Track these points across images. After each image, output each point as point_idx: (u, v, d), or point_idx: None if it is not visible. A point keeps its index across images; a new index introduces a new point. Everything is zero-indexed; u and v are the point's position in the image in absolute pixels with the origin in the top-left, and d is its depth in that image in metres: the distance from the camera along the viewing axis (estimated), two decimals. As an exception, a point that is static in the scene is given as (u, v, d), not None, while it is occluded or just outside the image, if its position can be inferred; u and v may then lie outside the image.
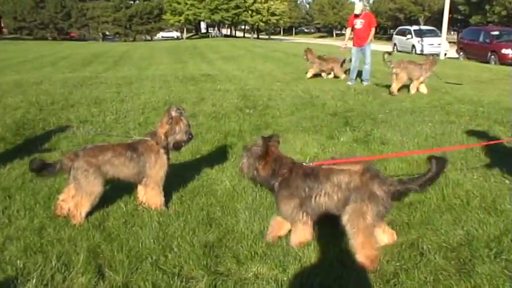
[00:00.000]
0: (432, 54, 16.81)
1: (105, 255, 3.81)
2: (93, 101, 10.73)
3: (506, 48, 25.90)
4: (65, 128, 8.02)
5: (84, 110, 9.69)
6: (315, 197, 3.82)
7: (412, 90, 11.97)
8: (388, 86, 12.36)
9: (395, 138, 7.37)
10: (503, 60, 25.10)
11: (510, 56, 25.42)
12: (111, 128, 8.16)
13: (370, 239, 3.67)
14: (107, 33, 72.79)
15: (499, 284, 3.36)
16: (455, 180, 5.45)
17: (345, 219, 3.69)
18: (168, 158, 4.77)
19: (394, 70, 12.05)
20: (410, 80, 12.09)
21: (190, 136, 4.70)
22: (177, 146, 4.69)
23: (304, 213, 3.86)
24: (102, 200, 4.59)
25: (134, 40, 66.14)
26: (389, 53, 13.20)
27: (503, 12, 52.87)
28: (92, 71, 18.86)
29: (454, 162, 6.05)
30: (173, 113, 4.57)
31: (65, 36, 67.23)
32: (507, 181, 5.39)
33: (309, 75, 15.46)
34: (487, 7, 54.83)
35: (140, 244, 3.98)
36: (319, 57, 15.82)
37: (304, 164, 4.02)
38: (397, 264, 3.68)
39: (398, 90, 11.92)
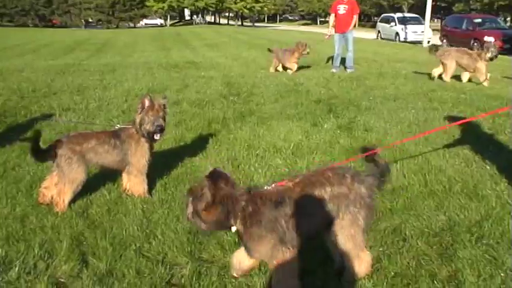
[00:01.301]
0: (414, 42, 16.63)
1: (89, 243, 3.79)
2: (76, 89, 10.62)
3: (489, 35, 26.04)
4: (47, 115, 7.93)
5: (67, 98, 9.58)
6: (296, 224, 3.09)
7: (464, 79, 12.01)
8: (371, 73, 12.40)
9: (378, 125, 7.41)
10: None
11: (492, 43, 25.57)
12: (94, 116, 8.08)
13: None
14: (90, 20, 71.95)
15: (479, 268, 3.41)
16: (438, 166, 5.50)
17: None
18: (151, 146, 4.74)
19: (442, 60, 12.03)
20: (464, 69, 11.99)
21: (158, 127, 4.53)
22: (149, 137, 4.59)
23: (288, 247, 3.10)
24: (85, 188, 4.56)
25: (117, 27, 65.47)
26: (435, 47, 13.21)
27: (486, 0, 53.15)
28: (74, 58, 18.65)
29: (436, 148, 6.11)
30: (147, 103, 4.53)
31: (46, 23, 66.27)
32: (488, 167, 5.45)
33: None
34: (470, -5, 55.10)
35: (124, 231, 3.97)
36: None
37: (263, 189, 3.24)
38: (380, 249, 3.71)
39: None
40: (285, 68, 14.04)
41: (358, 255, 3.23)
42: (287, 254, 3.08)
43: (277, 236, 3.04)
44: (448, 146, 6.22)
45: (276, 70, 14.13)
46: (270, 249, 3.06)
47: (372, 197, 3.26)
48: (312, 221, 3.18)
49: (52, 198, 4.39)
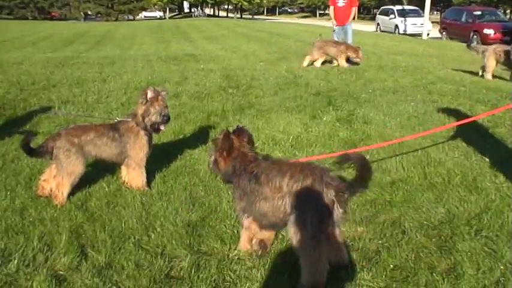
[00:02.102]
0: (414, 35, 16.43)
1: (88, 235, 3.79)
2: (75, 81, 10.59)
3: (488, 28, 26.02)
4: (46, 108, 7.92)
5: (66, 90, 9.56)
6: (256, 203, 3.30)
7: None
8: (370, 66, 12.38)
9: (378, 117, 7.40)
10: (485, 40, 25.19)
11: (492, 36, 25.55)
12: (93, 109, 8.07)
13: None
14: (89, 12, 71.61)
15: (478, 261, 3.41)
16: (437, 158, 5.50)
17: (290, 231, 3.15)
18: (150, 139, 4.73)
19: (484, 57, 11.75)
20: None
21: (165, 118, 4.60)
22: (154, 128, 4.63)
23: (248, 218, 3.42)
24: (84, 181, 4.56)
25: (116, 20, 65.16)
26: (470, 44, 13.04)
27: (486, -8, 53.05)
28: (73, 50, 18.60)
29: (436, 141, 6.10)
30: (150, 94, 4.53)
31: (45, 16, 65.93)
32: (487, 159, 5.45)
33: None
34: (470, -13, 54.98)
35: (123, 224, 3.97)
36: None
37: (262, 160, 3.51)
38: (379, 242, 3.72)
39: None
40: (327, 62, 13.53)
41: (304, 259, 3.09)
42: (246, 222, 3.46)
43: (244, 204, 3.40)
44: (447, 138, 6.21)
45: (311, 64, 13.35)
46: (238, 212, 3.52)
47: (326, 203, 3.04)
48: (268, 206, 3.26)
49: (51, 190, 4.38)
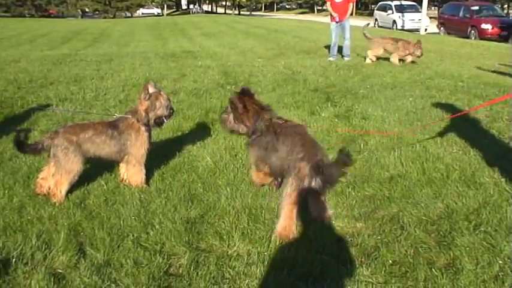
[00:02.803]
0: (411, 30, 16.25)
1: (86, 233, 3.78)
2: (73, 79, 10.57)
3: (486, 23, 26.03)
4: (44, 106, 7.90)
5: (64, 88, 9.54)
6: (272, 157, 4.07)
7: None
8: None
9: (376, 113, 7.40)
10: (482, 35, 25.24)
11: (489, 31, 25.55)
12: (91, 106, 8.06)
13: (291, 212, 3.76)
14: (86, 10, 71.45)
15: (477, 256, 3.41)
16: (436, 154, 5.50)
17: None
18: (150, 136, 4.73)
19: None
20: None
21: (171, 111, 4.70)
22: (159, 122, 4.66)
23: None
24: (82, 178, 4.55)
25: (114, 17, 65.01)
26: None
27: (484, -13, 52.96)
28: (71, 48, 18.56)
29: (434, 136, 6.10)
30: (151, 89, 4.53)
31: (43, 13, 65.70)
32: (486, 154, 5.44)
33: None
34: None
35: (121, 221, 3.96)
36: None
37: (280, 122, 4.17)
38: (378, 238, 3.72)
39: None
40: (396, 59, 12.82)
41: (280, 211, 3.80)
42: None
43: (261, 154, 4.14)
44: (445, 133, 6.21)
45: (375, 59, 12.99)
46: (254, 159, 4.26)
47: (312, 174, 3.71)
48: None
49: (49, 188, 4.37)
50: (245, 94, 4.20)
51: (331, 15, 13.81)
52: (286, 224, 3.72)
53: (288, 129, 4.06)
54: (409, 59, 12.72)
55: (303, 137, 4.02)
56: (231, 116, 4.24)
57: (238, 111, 4.15)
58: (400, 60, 12.76)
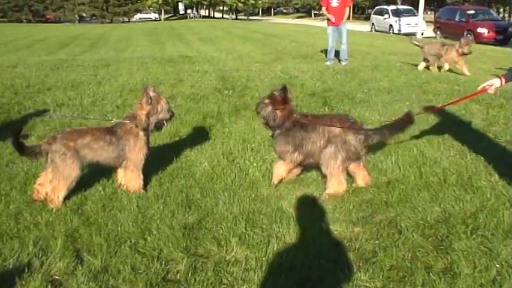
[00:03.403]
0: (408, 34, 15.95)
1: (84, 240, 3.78)
2: (70, 84, 10.56)
3: (482, 27, 26.08)
4: (41, 111, 7.89)
5: (61, 93, 9.53)
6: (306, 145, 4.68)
7: None
8: (365, 65, 12.35)
9: (373, 117, 7.41)
10: (478, 39, 25.26)
11: (485, 34, 25.62)
12: (88, 111, 8.05)
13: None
14: (84, 15, 71.41)
15: (475, 260, 3.42)
16: (433, 158, 5.51)
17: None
18: (148, 141, 4.73)
19: None
20: None
21: (172, 113, 4.76)
22: (159, 125, 4.70)
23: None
24: (80, 184, 4.54)
25: (111, 22, 64.99)
26: None
27: (479, -9, 53.24)
28: (68, 53, 18.55)
29: (431, 140, 6.11)
30: (151, 93, 4.54)
31: (40, 19, 65.70)
32: (482, 158, 5.45)
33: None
34: (464, -14, 55.19)
35: (119, 227, 3.96)
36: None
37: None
38: (376, 242, 3.72)
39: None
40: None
41: (331, 177, 4.59)
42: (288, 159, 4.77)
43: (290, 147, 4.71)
44: (442, 137, 6.22)
45: (439, 68, 12.26)
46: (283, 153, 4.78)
47: (358, 145, 4.59)
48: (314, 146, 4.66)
49: (46, 195, 4.36)
50: (286, 93, 4.70)
51: (327, 18, 13.80)
52: (339, 183, 4.56)
53: (314, 120, 4.77)
54: (446, 66, 12.17)
55: (333, 116, 4.96)
56: (269, 107, 4.73)
57: (276, 106, 4.68)
58: (438, 67, 12.27)
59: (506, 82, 4.41)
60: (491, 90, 4.43)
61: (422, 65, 12.49)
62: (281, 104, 4.68)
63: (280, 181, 4.85)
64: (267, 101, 4.78)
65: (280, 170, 4.84)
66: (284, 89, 4.73)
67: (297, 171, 4.98)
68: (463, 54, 11.84)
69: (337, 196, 4.51)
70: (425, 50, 12.42)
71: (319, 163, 4.68)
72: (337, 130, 4.60)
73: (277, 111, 4.70)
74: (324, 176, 4.71)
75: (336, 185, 4.58)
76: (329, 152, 4.58)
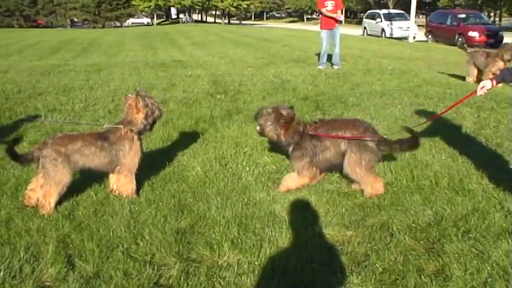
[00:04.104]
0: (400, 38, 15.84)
1: (75, 245, 3.76)
2: (62, 89, 10.52)
3: (473, 30, 26.28)
4: (33, 117, 7.86)
5: (52, 99, 9.49)
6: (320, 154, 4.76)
7: None
8: (358, 69, 12.38)
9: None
10: (470, 43, 25.43)
11: (477, 38, 25.80)
12: (80, 116, 8.02)
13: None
14: (75, 19, 71.32)
15: (466, 262, 3.43)
16: (424, 161, 5.53)
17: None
18: (141, 145, 4.75)
19: None
20: None
21: (162, 110, 4.84)
22: (152, 126, 4.76)
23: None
24: (72, 189, 4.52)
25: (103, 27, 64.95)
26: None
27: (470, -5, 53.60)
28: (60, 58, 18.50)
29: (423, 143, 6.12)
30: (144, 95, 4.60)
31: (31, 24, 65.60)
32: (474, 161, 5.48)
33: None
34: (455, -10, 55.59)
35: (111, 233, 3.94)
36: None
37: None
38: (368, 245, 3.73)
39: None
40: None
41: (364, 180, 4.63)
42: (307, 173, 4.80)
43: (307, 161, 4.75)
44: (434, 140, 6.25)
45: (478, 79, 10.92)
46: (300, 168, 4.77)
47: (375, 147, 4.64)
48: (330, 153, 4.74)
49: (38, 200, 4.34)
50: (290, 113, 4.81)
51: (321, 22, 13.81)
52: (373, 182, 4.62)
53: (321, 129, 4.80)
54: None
55: (344, 121, 5.13)
56: (271, 125, 4.82)
57: (280, 125, 4.78)
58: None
59: (497, 84, 4.44)
60: (482, 92, 4.44)
61: (472, 75, 11.43)
62: (284, 125, 4.78)
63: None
64: (270, 115, 4.84)
65: (291, 183, 4.83)
66: (291, 108, 4.91)
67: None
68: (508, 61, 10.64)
69: (378, 194, 4.60)
70: (477, 59, 11.26)
71: (346, 173, 4.73)
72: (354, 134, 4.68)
73: (280, 130, 4.78)
74: (356, 182, 4.77)
75: (370, 184, 4.62)
76: (353, 159, 4.63)
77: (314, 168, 4.78)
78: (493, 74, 10.23)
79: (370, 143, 4.64)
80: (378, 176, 4.79)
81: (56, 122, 7.33)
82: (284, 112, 4.81)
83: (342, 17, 13.49)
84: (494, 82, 4.41)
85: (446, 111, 5.87)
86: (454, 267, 3.38)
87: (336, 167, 4.90)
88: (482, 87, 4.42)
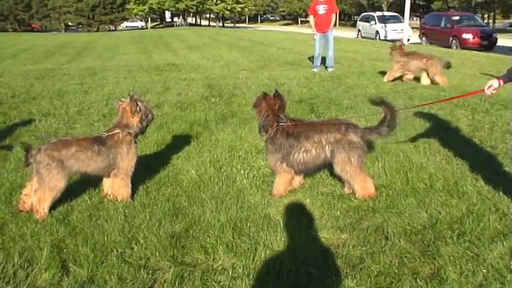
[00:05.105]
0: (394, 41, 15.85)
1: (70, 250, 3.75)
2: (56, 93, 10.50)
3: (467, 33, 26.36)
4: (27, 121, 7.83)
5: (47, 103, 9.47)
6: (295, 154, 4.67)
7: None
8: (352, 72, 12.39)
9: (360, 124, 7.40)
10: (464, 45, 25.55)
11: (470, 40, 25.89)
12: (74, 120, 8.00)
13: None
14: (70, 23, 71.24)
15: (461, 265, 3.43)
16: (419, 163, 5.53)
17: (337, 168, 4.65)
18: (136, 148, 4.76)
19: None
20: None
21: (154, 112, 4.94)
22: (146, 128, 4.81)
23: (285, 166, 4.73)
24: (66, 194, 4.51)
25: (98, 30, 64.92)
26: None
27: (464, -2, 53.89)
28: (54, 62, 18.47)
29: (417, 146, 6.15)
30: (138, 99, 4.64)
31: (26, 28, 65.44)
32: (468, 163, 5.49)
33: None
34: (448, -7, 55.88)
35: (105, 237, 3.93)
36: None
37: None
38: (363, 248, 3.73)
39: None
40: None
41: (355, 180, 4.61)
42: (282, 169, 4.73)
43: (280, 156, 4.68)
44: (428, 143, 6.26)
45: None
46: (274, 162, 4.75)
47: (362, 143, 4.62)
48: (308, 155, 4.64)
49: (32, 205, 4.33)
50: (270, 97, 4.80)
51: (315, 25, 13.84)
52: (363, 181, 4.62)
53: (302, 127, 4.75)
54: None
55: (321, 123, 5.03)
56: (257, 102, 4.90)
57: (256, 106, 4.87)
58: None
59: (504, 83, 4.40)
60: (489, 92, 4.41)
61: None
62: (258, 106, 4.83)
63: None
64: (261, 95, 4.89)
65: (278, 186, 4.80)
66: (272, 94, 4.82)
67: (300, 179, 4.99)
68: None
69: (370, 195, 4.61)
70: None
71: (336, 172, 4.70)
72: (338, 135, 4.60)
73: (257, 111, 4.88)
74: (348, 183, 4.74)
75: (361, 183, 4.62)
76: (342, 158, 4.58)
77: (287, 165, 4.71)
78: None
79: (356, 140, 4.59)
80: (369, 177, 4.78)
81: (52, 137, 7.27)
82: (268, 95, 4.82)
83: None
84: (502, 82, 4.37)
85: (447, 100, 5.84)
86: (449, 270, 3.38)
87: (311, 171, 4.93)
88: (490, 86, 4.38)
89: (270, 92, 4.95)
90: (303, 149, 4.63)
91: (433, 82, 11.08)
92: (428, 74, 11.09)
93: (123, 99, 4.69)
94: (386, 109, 4.72)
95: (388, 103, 4.81)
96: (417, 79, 11.44)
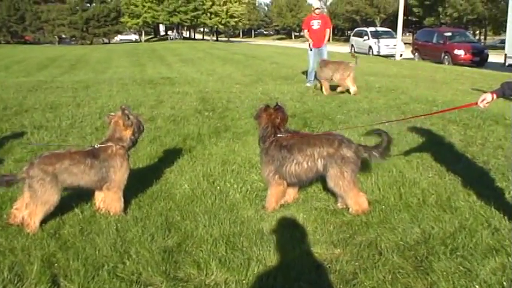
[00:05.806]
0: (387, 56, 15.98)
1: (61, 264, 3.71)
2: (49, 106, 10.48)
3: (459, 48, 26.59)
4: (19, 134, 7.80)
5: (39, 116, 9.44)
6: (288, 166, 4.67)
7: None
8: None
9: (353, 138, 7.41)
10: (456, 61, 25.75)
11: (462, 56, 26.10)
12: (66, 133, 7.98)
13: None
14: (63, 36, 71.23)
15: (454, 280, 3.43)
16: (412, 179, 5.54)
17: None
18: (129, 161, 4.76)
19: None
20: None
21: (144, 125, 4.95)
22: (137, 140, 4.86)
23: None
24: (57, 207, 4.46)
25: (91, 43, 64.94)
26: None
27: (455, 14, 54.40)
28: (47, 75, 18.43)
29: (410, 161, 6.16)
30: (129, 113, 4.63)
31: (19, 40, 65.38)
32: (460, 178, 5.50)
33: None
34: (440, 9, 56.42)
35: (97, 252, 3.89)
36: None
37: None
38: (356, 264, 3.72)
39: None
40: None
41: (348, 195, 4.61)
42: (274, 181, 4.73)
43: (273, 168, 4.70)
44: (421, 158, 6.28)
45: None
46: (267, 173, 4.76)
47: (355, 157, 4.65)
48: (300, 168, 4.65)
49: (23, 219, 4.28)
50: (271, 109, 4.86)
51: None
52: (356, 197, 4.63)
53: (296, 139, 4.75)
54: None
55: (315, 136, 4.92)
56: (258, 113, 4.96)
57: (256, 118, 4.95)
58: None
59: (497, 97, 4.42)
60: (482, 105, 4.43)
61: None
62: (258, 116, 4.90)
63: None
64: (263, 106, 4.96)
65: (271, 198, 4.79)
66: (273, 107, 4.87)
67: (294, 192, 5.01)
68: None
69: (364, 210, 4.61)
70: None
71: (329, 187, 4.71)
72: (331, 149, 4.62)
73: (256, 121, 4.97)
74: (341, 197, 4.74)
75: (354, 198, 4.62)
76: (334, 173, 4.59)
77: (279, 177, 4.72)
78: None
79: (349, 154, 4.61)
80: (362, 192, 4.78)
81: (45, 145, 7.24)
82: (269, 107, 4.89)
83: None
84: (495, 96, 4.40)
85: (442, 111, 5.87)
86: (442, 285, 3.37)
87: (304, 183, 4.94)
88: (483, 100, 4.41)
89: (272, 104, 5.00)
90: (295, 161, 4.65)
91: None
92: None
93: (112, 113, 4.69)
94: (385, 138, 4.86)
95: (389, 136, 4.93)
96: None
